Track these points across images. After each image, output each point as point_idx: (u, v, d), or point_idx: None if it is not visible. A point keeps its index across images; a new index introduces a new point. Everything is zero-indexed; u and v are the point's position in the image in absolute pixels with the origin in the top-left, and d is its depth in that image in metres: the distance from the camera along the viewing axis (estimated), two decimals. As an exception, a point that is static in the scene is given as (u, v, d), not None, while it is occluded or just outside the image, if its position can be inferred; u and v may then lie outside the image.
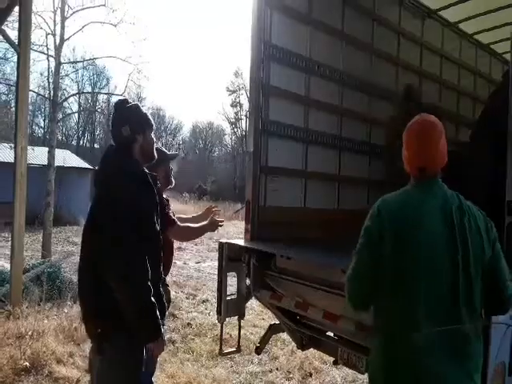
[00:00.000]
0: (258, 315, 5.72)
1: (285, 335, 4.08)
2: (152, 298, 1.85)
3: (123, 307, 1.82)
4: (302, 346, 3.36)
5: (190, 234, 3.02)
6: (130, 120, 2.07)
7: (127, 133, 2.05)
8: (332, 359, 3.23)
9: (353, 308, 1.74)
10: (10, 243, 6.23)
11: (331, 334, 3.06)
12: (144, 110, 2.18)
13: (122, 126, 2.06)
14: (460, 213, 1.61)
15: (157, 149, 3.44)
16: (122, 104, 2.14)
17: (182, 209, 26.42)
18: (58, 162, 12.52)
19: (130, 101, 2.18)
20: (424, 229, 1.60)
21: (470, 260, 1.57)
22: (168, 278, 3.27)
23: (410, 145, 1.74)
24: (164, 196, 3.13)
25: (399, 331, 1.59)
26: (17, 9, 6.20)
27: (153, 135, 2.18)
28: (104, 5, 13.85)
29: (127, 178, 1.95)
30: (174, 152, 3.52)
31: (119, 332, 1.87)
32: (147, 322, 1.86)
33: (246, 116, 40.79)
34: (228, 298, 3.32)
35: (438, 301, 1.56)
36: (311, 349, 3.48)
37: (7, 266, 6.67)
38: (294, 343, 3.56)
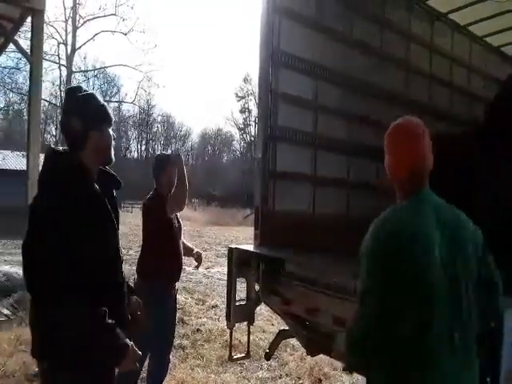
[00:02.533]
0: (268, 321, 5.70)
1: (294, 341, 4.06)
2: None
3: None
4: (312, 352, 3.34)
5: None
6: (83, 112, 1.70)
7: (79, 127, 1.69)
8: (342, 365, 3.20)
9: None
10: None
11: (341, 340, 3.04)
12: (101, 99, 1.81)
13: (73, 117, 1.70)
14: (455, 226, 1.53)
15: (158, 155, 3.50)
16: (75, 91, 1.77)
17: (191, 215, 26.57)
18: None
19: (85, 88, 1.82)
20: (431, 251, 1.44)
21: (468, 281, 1.48)
22: (177, 284, 3.29)
23: (398, 145, 1.60)
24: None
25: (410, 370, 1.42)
26: (29, 19, 6.33)
27: (111, 131, 1.81)
28: (115, 14, 14.08)
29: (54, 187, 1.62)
30: (174, 153, 3.56)
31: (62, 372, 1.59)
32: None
33: (254, 122, 40.97)
34: (237, 304, 3.31)
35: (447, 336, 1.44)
36: (321, 354, 3.45)
37: (20, 272, 6.75)
38: (303, 349, 3.55)
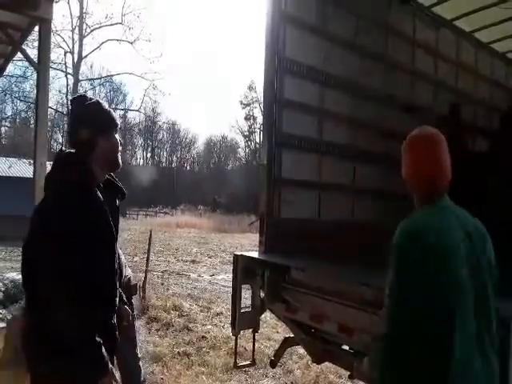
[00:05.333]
0: (273, 328, 5.67)
1: (300, 348, 4.03)
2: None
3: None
4: (317, 360, 3.32)
5: None
6: (90, 120, 1.73)
7: (87, 135, 1.72)
8: (348, 373, 3.18)
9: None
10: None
11: (347, 348, 3.02)
12: (106, 106, 1.83)
13: (80, 126, 1.73)
14: (476, 236, 1.54)
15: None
16: (81, 100, 1.79)
17: (196, 222, 26.62)
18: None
19: (90, 97, 1.83)
20: (455, 260, 1.45)
21: (488, 291, 1.50)
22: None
23: (415, 155, 1.62)
24: None
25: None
26: (36, 28, 6.41)
27: (118, 136, 1.82)
28: (121, 23, 14.23)
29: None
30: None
31: None
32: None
33: (259, 129, 41.04)
34: (242, 311, 3.30)
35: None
36: (326, 362, 3.43)
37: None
38: (308, 357, 3.52)
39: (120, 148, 1.83)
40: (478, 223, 1.61)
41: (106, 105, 1.83)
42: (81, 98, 1.82)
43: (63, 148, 1.81)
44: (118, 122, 1.85)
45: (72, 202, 1.60)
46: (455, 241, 1.48)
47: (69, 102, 15.26)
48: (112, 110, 1.84)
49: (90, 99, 1.80)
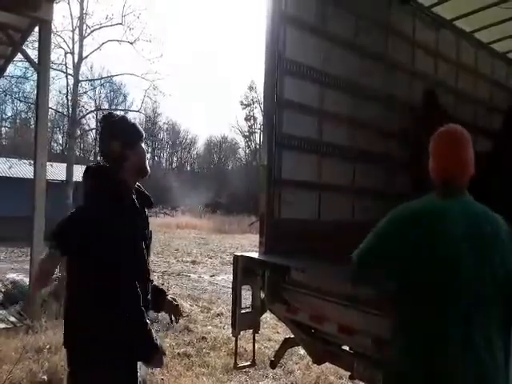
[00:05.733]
0: (273, 329, 5.67)
1: (300, 349, 4.03)
2: None
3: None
4: (318, 360, 3.31)
5: None
6: (119, 134, 1.94)
7: (118, 149, 1.93)
8: (348, 374, 3.18)
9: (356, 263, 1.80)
10: (28, 258, 6.33)
11: (347, 348, 3.01)
12: (131, 120, 2.06)
13: (111, 141, 1.94)
14: (483, 225, 1.58)
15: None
16: (109, 118, 2.03)
17: (196, 223, 26.60)
18: (75, 178, 12.77)
19: (115, 113, 2.08)
20: (444, 240, 1.56)
21: (486, 280, 1.52)
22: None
23: (439, 156, 1.71)
24: None
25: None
26: (37, 29, 6.42)
27: (143, 145, 2.05)
28: (121, 23, 14.22)
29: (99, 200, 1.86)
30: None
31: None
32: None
33: (259, 129, 41.05)
34: (242, 312, 3.30)
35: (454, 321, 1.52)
36: (327, 363, 3.43)
37: (27, 280, 6.78)
38: (309, 357, 3.52)
39: (148, 156, 2.09)
40: (497, 225, 1.61)
41: (130, 119, 2.07)
42: (108, 115, 2.06)
43: (98, 159, 2.07)
44: (143, 132, 2.05)
45: (114, 206, 1.83)
46: (443, 227, 1.58)
47: (69, 103, 15.27)
48: (137, 123, 2.07)
49: (116, 116, 2.04)
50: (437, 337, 1.53)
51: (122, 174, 1.93)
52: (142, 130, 2.05)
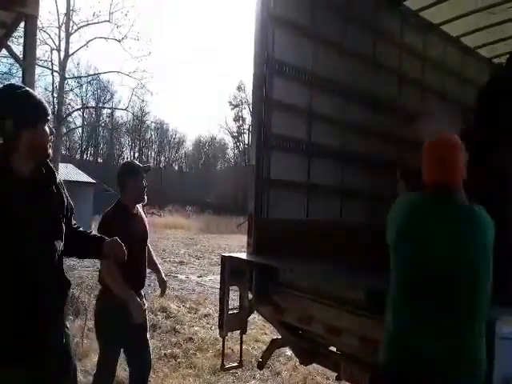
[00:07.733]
0: (261, 329, 5.66)
1: (287, 350, 4.02)
2: None
3: None
4: (305, 361, 3.31)
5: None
6: (14, 110, 1.64)
7: (9, 127, 1.63)
8: (335, 374, 3.18)
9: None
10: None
11: (334, 349, 3.02)
12: (37, 96, 1.74)
13: (3, 117, 1.64)
14: (465, 221, 1.70)
15: (129, 162, 3.23)
16: (8, 89, 1.72)
17: (184, 223, 26.45)
18: (61, 176, 12.62)
19: (19, 85, 1.78)
20: (429, 233, 1.70)
21: (473, 271, 1.64)
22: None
23: (431, 162, 1.81)
24: (137, 210, 3.00)
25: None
26: (22, 24, 6.30)
27: (47, 128, 1.74)
28: (109, 21, 14.09)
29: None
30: (147, 164, 3.39)
31: None
32: None
33: (248, 130, 41.07)
34: (230, 313, 3.28)
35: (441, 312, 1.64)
36: (314, 364, 3.43)
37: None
38: (296, 358, 3.52)
39: (52, 138, 1.77)
40: (484, 216, 1.71)
41: (35, 94, 1.74)
42: (9, 86, 1.77)
43: None
44: (48, 112, 1.77)
45: None
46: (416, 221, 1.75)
47: (55, 100, 15.06)
48: (43, 100, 1.75)
49: (21, 87, 1.72)
50: (411, 323, 1.67)
51: (13, 159, 1.66)
52: (48, 110, 1.76)
